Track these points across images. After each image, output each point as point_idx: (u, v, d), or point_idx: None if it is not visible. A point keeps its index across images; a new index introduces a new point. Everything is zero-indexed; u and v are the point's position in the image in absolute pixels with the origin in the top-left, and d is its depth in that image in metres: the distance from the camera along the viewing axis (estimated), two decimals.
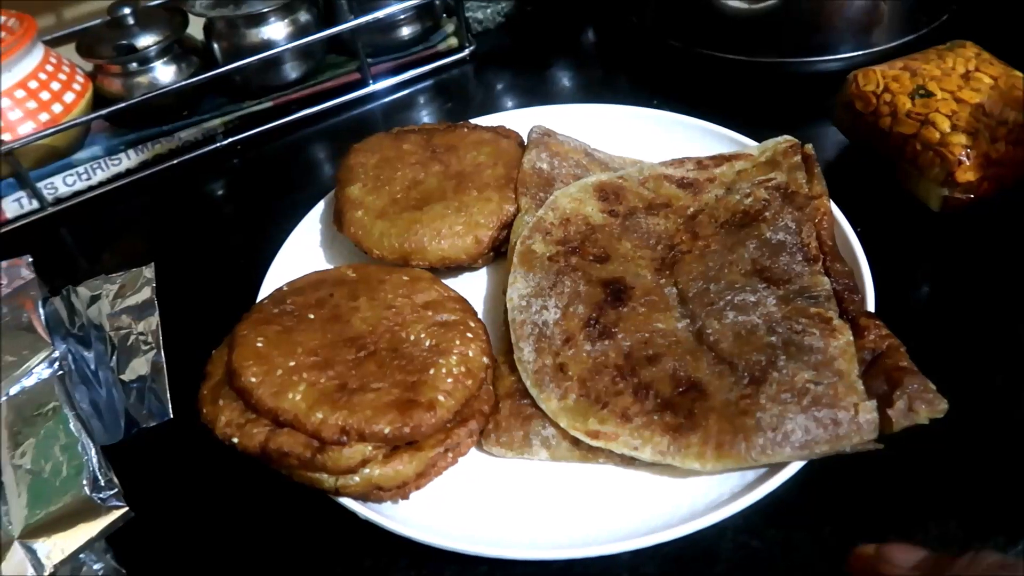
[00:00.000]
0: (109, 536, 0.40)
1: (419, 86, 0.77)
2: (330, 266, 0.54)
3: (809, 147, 0.53)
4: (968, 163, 0.48)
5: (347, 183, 0.55)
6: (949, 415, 0.38)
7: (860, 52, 0.66)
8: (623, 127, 0.62)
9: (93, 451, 0.43)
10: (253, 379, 0.41)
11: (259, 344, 0.42)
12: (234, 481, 0.43)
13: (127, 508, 0.41)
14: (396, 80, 0.76)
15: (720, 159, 0.55)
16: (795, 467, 0.38)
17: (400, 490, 0.40)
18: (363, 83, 0.75)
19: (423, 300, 0.46)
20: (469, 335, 0.44)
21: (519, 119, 0.62)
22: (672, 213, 0.52)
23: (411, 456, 0.40)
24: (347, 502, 0.40)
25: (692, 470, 0.39)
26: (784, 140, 0.54)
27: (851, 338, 0.41)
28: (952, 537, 0.37)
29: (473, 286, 0.53)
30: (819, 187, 0.50)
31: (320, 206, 0.59)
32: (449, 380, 0.41)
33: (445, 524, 0.40)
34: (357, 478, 0.39)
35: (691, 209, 0.52)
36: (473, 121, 0.62)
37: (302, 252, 0.56)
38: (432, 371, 0.41)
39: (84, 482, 0.41)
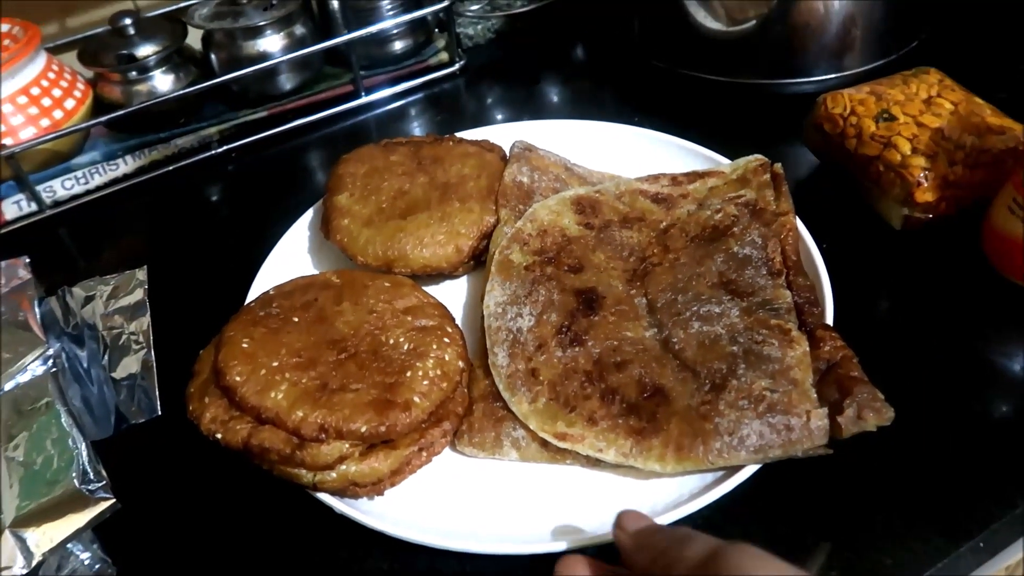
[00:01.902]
0: (96, 527, 0.42)
1: (411, 98, 0.79)
2: (317, 271, 0.56)
3: (778, 166, 0.55)
4: (927, 184, 0.51)
5: (335, 191, 0.57)
6: (899, 421, 0.40)
7: (833, 75, 0.68)
8: (603, 143, 0.64)
9: (83, 445, 0.45)
10: (238, 378, 0.42)
11: (245, 345, 0.44)
12: (218, 476, 0.45)
13: (114, 500, 0.42)
14: (389, 92, 0.78)
15: (694, 176, 0.57)
16: (750, 469, 0.40)
17: (375, 487, 0.42)
18: (356, 95, 0.77)
19: (404, 306, 0.48)
20: (446, 340, 0.45)
21: (504, 133, 0.64)
22: (645, 227, 0.54)
23: (387, 454, 0.42)
24: (324, 497, 0.42)
25: (653, 472, 0.41)
26: (754, 159, 0.56)
27: (807, 349, 0.43)
28: (896, 532, 0.39)
29: (453, 293, 0.55)
30: (786, 204, 0.52)
31: (309, 213, 0.61)
32: (425, 382, 0.43)
33: (418, 519, 0.42)
34: (334, 474, 0.41)
35: (664, 223, 0.54)
36: (459, 135, 0.64)
37: (291, 257, 0.58)
38: (409, 373, 0.43)
39: (74, 475, 0.43)
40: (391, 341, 0.45)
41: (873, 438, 0.40)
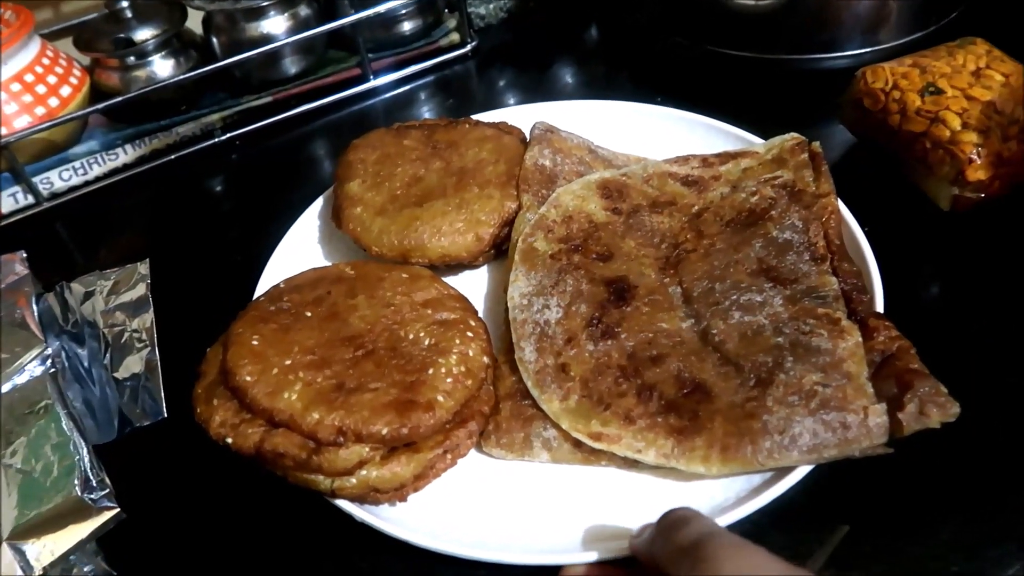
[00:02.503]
0: (100, 538, 0.39)
1: (420, 82, 0.76)
2: (328, 263, 0.53)
3: (816, 145, 0.52)
4: (979, 162, 0.47)
5: (346, 179, 0.55)
6: (961, 418, 0.37)
7: (868, 49, 0.65)
8: (627, 123, 0.61)
9: (85, 450, 0.42)
10: (248, 378, 0.40)
11: (255, 343, 0.41)
12: (228, 482, 0.42)
13: (118, 509, 0.40)
14: (397, 76, 0.75)
15: (725, 157, 0.54)
16: (803, 471, 0.37)
17: (398, 492, 0.39)
18: (363, 79, 0.74)
19: (422, 298, 0.45)
20: (469, 334, 0.43)
21: (522, 115, 0.61)
22: (676, 211, 0.51)
23: (409, 458, 0.39)
24: (343, 504, 0.39)
25: (697, 474, 0.38)
26: (791, 137, 0.53)
27: (860, 339, 0.40)
28: (961, 542, 0.36)
29: (474, 284, 0.52)
30: (826, 185, 0.49)
31: (319, 202, 0.58)
32: (448, 380, 0.40)
33: (442, 527, 0.39)
34: (354, 480, 0.38)
35: (696, 207, 0.51)
36: (475, 117, 0.61)
37: (300, 249, 0.55)
38: (431, 371, 0.40)
39: (75, 482, 0.41)
40: (410, 336, 0.42)
41: (931, 435, 0.37)
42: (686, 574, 0.29)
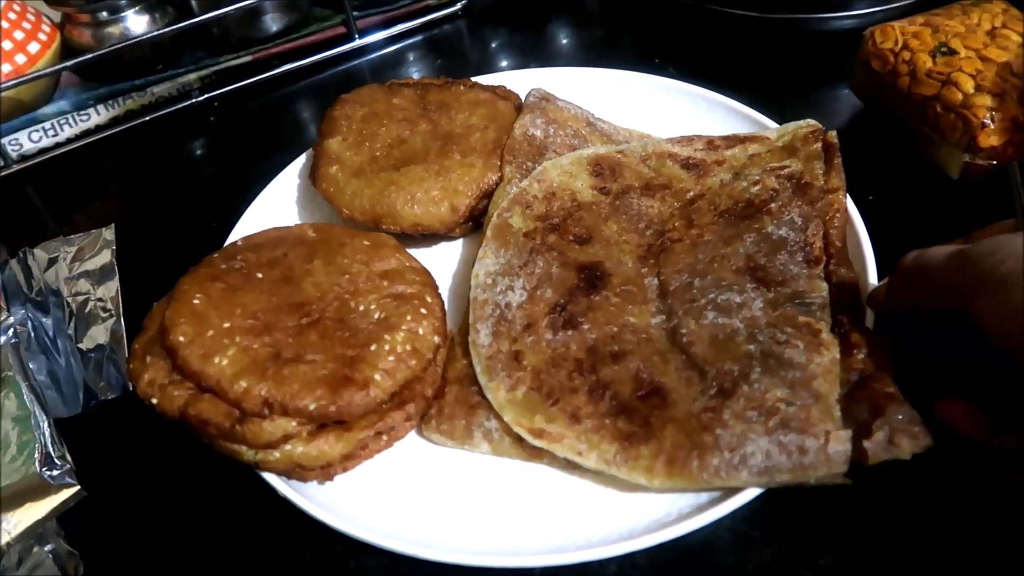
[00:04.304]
0: (60, 516, 0.38)
1: (408, 41, 0.73)
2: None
3: (832, 135, 0.47)
4: (993, 127, 0.45)
5: (328, 135, 0.52)
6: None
7: (878, 8, 0.62)
8: (634, 95, 0.57)
9: (46, 424, 0.41)
10: (182, 338, 0.38)
11: (196, 301, 0.39)
12: (193, 459, 0.40)
13: (79, 487, 0.39)
14: (384, 35, 0.72)
15: (733, 140, 0.50)
16: (752, 493, 0.34)
17: (324, 471, 0.38)
18: (349, 37, 0.71)
19: (381, 269, 0.42)
20: (423, 311, 0.40)
21: (522, 80, 0.58)
22: (670, 196, 0.47)
23: (338, 436, 0.37)
24: (268, 477, 0.38)
25: (638, 485, 0.35)
26: (806, 125, 0.48)
27: (837, 356, 0.36)
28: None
29: (448, 257, 0.49)
30: (836, 180, 0.44)
31: (301, 159, 0.56)
32: (391, 358, 0.38)
33: (365, 512, 0.37)
34: (277, 454, 0.37)
35: (691, 193, 0.47)
36: (474, 79, 0.57)
37: (276, 208, 0.53)
38: (374, 347, 0.38)
39: (35, 458, 0.39)
40: (361, 308, 0.40)
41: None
42: None
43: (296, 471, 0.37)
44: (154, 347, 0.39)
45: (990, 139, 0.45)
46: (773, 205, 0.44)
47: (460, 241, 0.51)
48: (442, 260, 0.48)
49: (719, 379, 0.36)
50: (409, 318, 0.39)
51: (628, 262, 0.43)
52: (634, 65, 0.59)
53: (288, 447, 0.36)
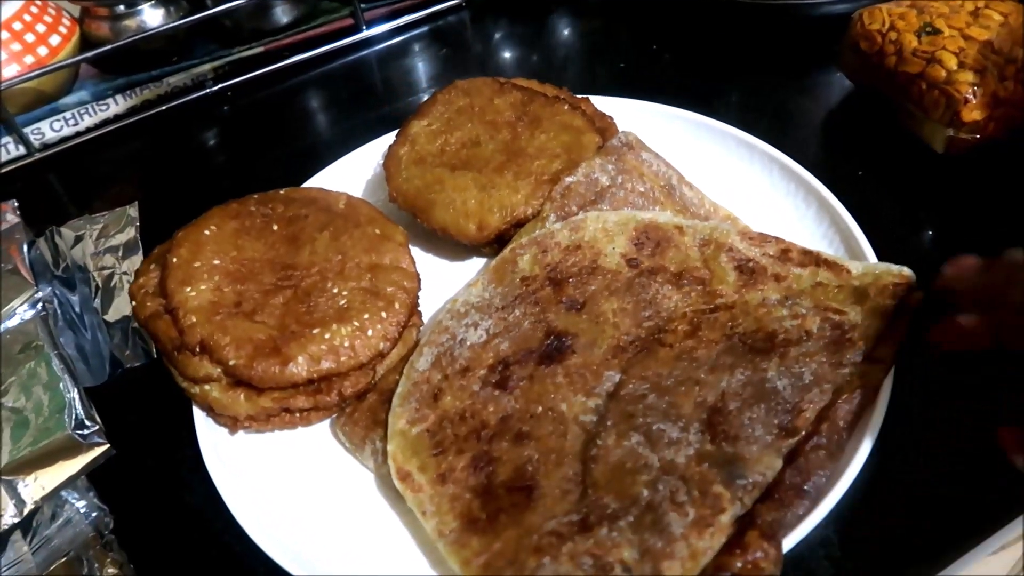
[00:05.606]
0: (92, 474, 0.40)
1: (414, 32, 0.75)
2: (362, 196, 0.51)
3: (918, 296, 0.39)
4: (975, 101, 0.47)
5: (420, 115, 0.53)
6: (947, 380, 0.35)
7: None
8: (751, 171, 0.51)
9: (75, 390, 0.43)
10: (175, 260, 0.41)
11: (207, 232, 0.43)
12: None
13: (108, 445, 0.40)
14: (390, 26, 0.74)
15: (810, 258, 0.42)
16: None
17: (231, 422, 0.41)
18: (356, 29, 0.73)
19: (372, 261, 0.43)
20: (384, 315, 0.41)
21: (652, 114, 0.54)
22: (697, 294, 0.41)
23: (248, 396, 0.40)
24: (195, 413, 0.41)
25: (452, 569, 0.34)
26: (898, 274, 0.40)
27: (716, 547, 0.32)
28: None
29: (468, 268, 0.50)
30: (886, 351, 0.37)
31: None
32: (323, 347, 0.39)
33: (248, 494, 0.39)
34: (197, 390, 0.40)
35: (721, 300, 0.41)
36: (595, 99, 0.54)
37: (356, 172, 0.55)
38: (317, 330, 0.39)
39: (66, 420, 0.41)
40: (334, 291, 0.41)
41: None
42: None
43: (209, 412, 0.41)
44: (163, 258, 0.42)
45: (972, 114, 0.47)
46: (793, 350, 0.38)
47: (486, 259, 0.50)
48: (460, 270, 0.48)
49: (591, 508, 0.33)
50: (366, 316, 0.40)
51: (602, 346, 0.40)
52: (627, 48, 0.60)
53: (208, 387, 0.40)
